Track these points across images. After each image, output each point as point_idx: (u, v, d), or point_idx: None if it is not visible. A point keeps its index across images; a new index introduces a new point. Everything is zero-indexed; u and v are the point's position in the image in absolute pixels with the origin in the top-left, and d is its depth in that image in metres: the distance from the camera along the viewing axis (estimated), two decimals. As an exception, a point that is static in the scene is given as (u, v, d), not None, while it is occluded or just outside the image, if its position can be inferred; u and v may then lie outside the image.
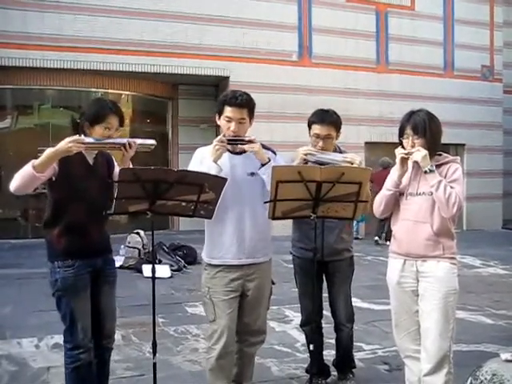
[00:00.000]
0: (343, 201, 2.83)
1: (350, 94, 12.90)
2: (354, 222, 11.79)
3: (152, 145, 3.02)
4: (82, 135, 2.84)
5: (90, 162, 2.97)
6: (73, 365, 2.89)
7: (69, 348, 2.91)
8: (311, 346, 3.25)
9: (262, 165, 2.97)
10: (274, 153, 3.18)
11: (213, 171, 2.88)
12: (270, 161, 2.99)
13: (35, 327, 5.04)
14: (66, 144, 2.67)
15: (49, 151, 2.71)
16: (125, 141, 2.88)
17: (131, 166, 2.94)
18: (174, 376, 3.93)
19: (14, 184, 2.70)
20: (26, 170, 2.68)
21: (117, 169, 3.05)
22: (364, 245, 10.79)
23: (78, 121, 2.98)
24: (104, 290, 3.03)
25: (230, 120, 2.99)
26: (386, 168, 9.60)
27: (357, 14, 13.34)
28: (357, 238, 12.02)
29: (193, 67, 11.89)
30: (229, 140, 2.95)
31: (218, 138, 2.95)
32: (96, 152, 2.98)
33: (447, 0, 14.33)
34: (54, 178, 2.80)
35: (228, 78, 12.12)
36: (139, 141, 2.96)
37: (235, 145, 2.97)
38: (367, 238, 12.27)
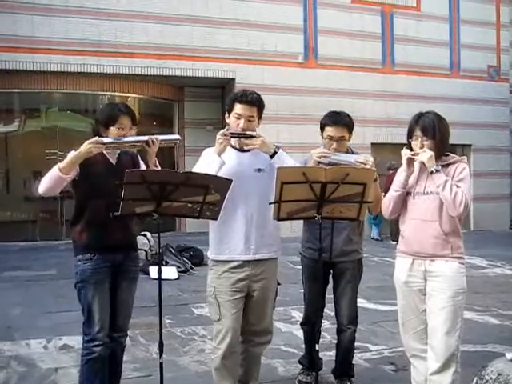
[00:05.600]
0: (348, 201, 2.84)
1: (356, 95, 12.90)
2: (374, 226, 12.02)
3: (177, 139, 3.25)
4: (98, 137, 2.98)
5: (113, 161, 3.09)
6: (87, 357, 2.97)
7: (86, 340, 2.99)
8: (317, 346, 3.26)
9: (271, 156, 2.99)
10: (278, 147, 3.19)
11: (216, 164, 2.92)
12: (277, 151, 3.01)
13: (43, 328, 5.08)
14: (86, 146, 2.82)
15: (71, 154, 2.87)
16: (146, 138, 3.02)
17: (156, 162, 3.10)
18: (180, 377, 3.95)
19: (43, 186, 2.88)
20: (53, 172, 2.85)
21: (143, 166, 3.17)
22: (371, 246, 10.78)
23: (94, 126, 3.12)
24: (123, 285, 3.11)
25: (239, 117, 3.02)
26: (396, 169, 9.62)
27: (362, 15, 13.34)
28: (378, 240, 12.10)
29: (199, 69, 11.94)
30: (232, 134, 2.98)
31: (222, 131, 2.98)
32: (118, 152, 3.11)
33: (453, 0, 14.31)
34: (76, 178, 2.95)
35: (234, 80, 12.16)
36: (162, 137, 3.11)
37: (238, 138, 3.00)
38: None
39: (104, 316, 2.99)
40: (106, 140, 2.90)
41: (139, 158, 3.23)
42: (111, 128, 3.00)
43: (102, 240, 2.98)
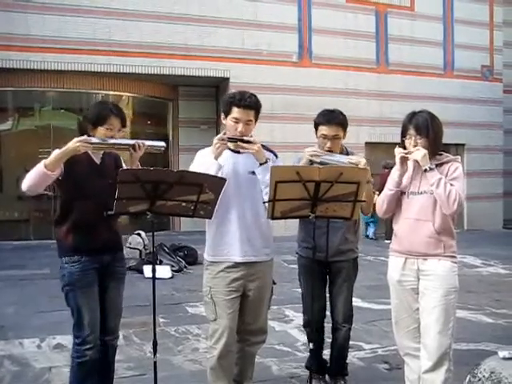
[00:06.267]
0: (341, 200, 2.85)
1: (350, 94, 12.91)
2: (371, 225, 12.04)
3: (162, 147, 3.11)
4: (86, 136, 2.92)
5: (97, 161, 3.04)
6: (78, 360, 2.94)
7: (76, 343, 2.96)
8: (311, 345, 3.26)
9: (260, 165, 2.99)
10: (276, 155, 3.20)
11: (213, 168, 2.91)
12: (267, 162, 3.00)
13: (37, 328, 5.06)
14: (74, 144, 2.76)
15: (58, 150, 2.80)
16: (133, 142, 2.96)
17: (139, 167, 3.01)
18: (174, 376, 3.95)
19: (27, 183, 2.79)
20: (38, 169, 2.77)
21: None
22: (365, 245, 10.80)
23: (82, 123, 3.08)
24: (111, 286, 3.07)
25: (237, 121, 3.01)
26: (391, 168, 9.67)
27: (356, 14, 13.36)
28: (373, 239, 12.13)
29: (193, 68, 11.92)
30: (229, 138, 2.97)
31: (219, 136, 2.98)
32: (102, 152, 3.05)
33: (447, 0, 14.35)
34: (60, 178, 2.89)
35: (228, 79, 12.16)
36: (148, 142, 3.04)
37: (235, 143, 2.99)
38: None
39: (94, 319, 2.96)
40: (93, 140, 2.84)
41: (122, 160, 3.18)
42: (99, 128, 2.94)
43: (89, 241, 2.93)
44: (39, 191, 2.85)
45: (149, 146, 3.03)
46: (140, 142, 2.97)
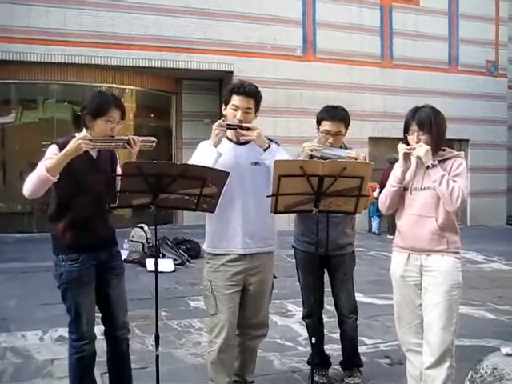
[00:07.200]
0: (345, 195, 2.84)
1: (355, 88, 12.88)
2: (375, 219, 11.99)
3: (153, 141, 3.05)
4: (84, 129, 2.89)
5: (94, 156, 2.98)
6: (77, 355, 2.94)
7: (74, 339, 2.95)
8: (313, 339, 3.26)
9: (264, 150, 2.98)
10: (277, 143, 3.19)
11: (213, 156, 2.89)
12: (270, 146, 3.00)
13: (39, 320, 5.08)
14: (76, 143, 2.67)
15: (51, 150, 2.77)
16: (127, 138, 2.90)
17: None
18: (176, 369, 3.96)
19: (30, 189, 2.73)
20: (41, 174, 2.69)
21: (118, 167, 3.08)
22: (368, 240, 10.80)
23: (80, 114, 2.99)
24: (113, 283, 3.05)
25: (236, 108, 3.01)
26: (394, 163, 9.60)
27: (361, 8, 13.30)
28: (375, 233, 12.08)
29: (197, 62, 11.90)
30: (228, 125, 2.96)
31: (218, 122, 2.96)
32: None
33: (452, -6, 14.29)
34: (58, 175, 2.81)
35: (232, 72, 12.12)
36: (140, 138, 2.98)
37: (234, 129, 2.98)
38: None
39: (91, 315, 2.97)
40: (92, 138, 2.76)
41: (117, 156, 3.13)
42: (99, 119, 2.85)
43: (86, 239, 2.89)
44: (40, 195, 2.80)
45: (141, 140, 2.95)
46: (134, 137, 2.92)
